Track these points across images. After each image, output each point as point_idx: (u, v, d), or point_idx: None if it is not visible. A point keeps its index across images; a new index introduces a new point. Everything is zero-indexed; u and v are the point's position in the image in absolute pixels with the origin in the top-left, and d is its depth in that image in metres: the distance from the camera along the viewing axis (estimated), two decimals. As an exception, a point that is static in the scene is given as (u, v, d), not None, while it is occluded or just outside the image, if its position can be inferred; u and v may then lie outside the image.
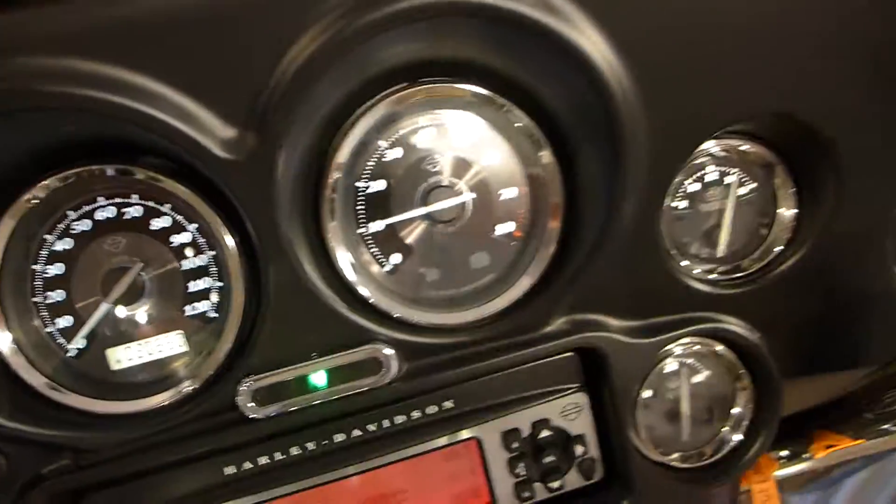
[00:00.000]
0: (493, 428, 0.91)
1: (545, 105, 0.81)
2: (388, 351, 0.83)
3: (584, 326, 0.89)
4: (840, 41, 0.79)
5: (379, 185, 0.82)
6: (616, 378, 0.90)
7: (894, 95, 0.83)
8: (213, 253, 0.81)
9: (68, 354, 0.81)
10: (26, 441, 0.79)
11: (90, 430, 0.81)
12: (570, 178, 0.85)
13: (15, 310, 0.78)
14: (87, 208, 0.78)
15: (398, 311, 0.85)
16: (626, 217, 0.80)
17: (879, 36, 0.79)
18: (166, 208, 0.79)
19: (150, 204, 0.79)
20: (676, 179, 0.90)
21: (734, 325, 0.93)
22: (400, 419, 0.88)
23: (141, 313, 0.81)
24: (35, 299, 0.79)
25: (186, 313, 0.82)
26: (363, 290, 0.84)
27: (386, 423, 0.88)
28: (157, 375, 0.83)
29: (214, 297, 0.82)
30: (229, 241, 0.78)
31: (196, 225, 0.80)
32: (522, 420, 0.91)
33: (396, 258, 0.85)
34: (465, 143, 0.83)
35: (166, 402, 0.82)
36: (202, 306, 0.82)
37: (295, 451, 0.86)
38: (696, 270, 0.94)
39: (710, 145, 0.90)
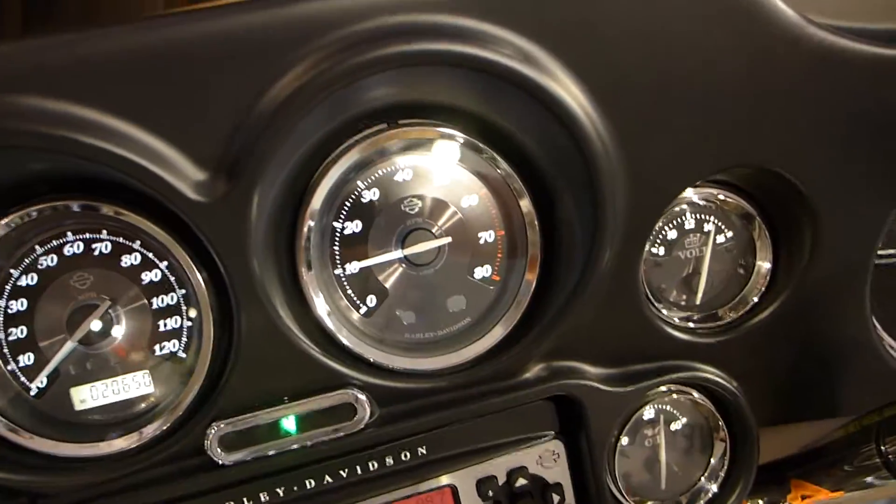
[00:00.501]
0: (468, 475, 0.89)
1: (524, 152, 0.81)
2: (362, 396, 0.82)
3: (561, 373, 0.88)
4: (817, 98, 0.80)
5: (355, 226, 0.82)
6: (593, 426, 0.89)
7: (869, 149, 0.84)
8: (184, 291, 0.79)
9: (30, 393, 0.78)
10: (-20, 485, 0.76)
11: (50, 473, 0.78)
12: (549, 225, 0.84)
13: (-28, 346, 0.76)
14: (55, 243, 0.76)
15: (373, 354, 0.84)
16: (604, 264, 0.80)
17: (855, 94, 0.80)
18: (136, 245, 0.77)
19: (120, 240, 0.77)
20: (656, 226, 0.90)
21: (711, 373, 0.93)
22: (373, 466, 0.86)
23: (108, 352, 0.79)
24: (-5, 335, 0.77)
25: (155, 352, 0.80)
26: (338, 334, 0.83)
27: (359, 470, 0.85)
28: (122, 416, 0.81)
29: (184, 337, 0.80)
30: (200, 279, 0.77)
31: (167, 262, 0.78)
32: (498, 467, 0.90)
33: (372, 301, 0.84)
34: (443, 186, 0.83)
35: (131, 446, 0.79)
36: (172, 346, 0.80)
37: (264, 497, 0.84)
38: (675, 318, 0.94)
39: (690, 193, 0.91)
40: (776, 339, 0.94)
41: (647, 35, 0.73)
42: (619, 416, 0.91)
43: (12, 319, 0.76)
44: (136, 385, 0.81)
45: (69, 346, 0.77)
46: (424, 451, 0.87)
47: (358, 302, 0.84)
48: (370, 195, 0.81)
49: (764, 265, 0.93)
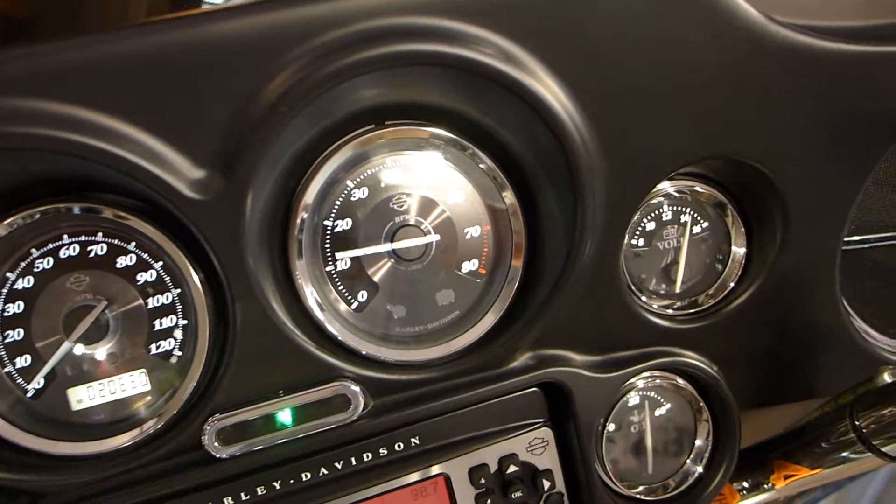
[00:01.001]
0: (460, 464, 0.91)
1: (507, 148, 0.84)
2: (356, 388, 0.84)
3: (547, 361, 0.91)
4: (782, 92, 0.84)
5: (346, 223, 0.84)
6: (580, 412, 0.92)
7: (834, 139, 0.88)
8: (179, 291, 0.80)
9: (27, 395, 0.79)
10: (-19, 486, 0.77)
11: (49, 472, 0.79)
12: (532, 218, 0.87)
13: (-30, 349, 0.77)
14: (51, 246, 0.78)
15: (366, 348, 0.86)
16: (586, 255, 0.83)
17: (819, 88, 0.85)
18: (132, 246, 0.79)
19: (116, 242, 0.78)
20: (634, 219, 0.93)
21: (692, 358, 0.96)
22: (367, 457, 0.88)
23: (104, 352, 0.80)
24: (-8, 338, 0.78)
25: (151, 352, 0.81)
26: (331, 328, 0.85)
27: (353, 461, 0.87)
28: (119, 415, 0.82)
29: (180, 336, 0.82)
30: (195, 278, 0.79)
31: (161, 263, 0.80)
32: (490, 456, 0.92)
33: (363, 296, 0.87)
34: (430, 184, 0.85)
35: (129, 443, 0.80)
36: (167, 345, 0.82)
37: (261, 491, 0.85)
38: (655, 306, 0.97)
39: (666, 186, 0.94)
40: (753, 323, 0.97)
41: (622, 34, 0.77)
42: (604, 401, 0.94)
43: (9, 322, 0.77)
44: (132, 384, 0.82)
45: (66, 346, 0.78)
46: (417, 442, 0.89)
47: (349, 297, 0.86)
48: (359, 193, 0.84)
49: (739, 251, 0.97)
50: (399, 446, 0.88)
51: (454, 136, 0.84)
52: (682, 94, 0.81)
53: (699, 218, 0.97)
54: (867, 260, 1.04)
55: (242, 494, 0.85)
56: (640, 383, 0.98)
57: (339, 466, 0.87)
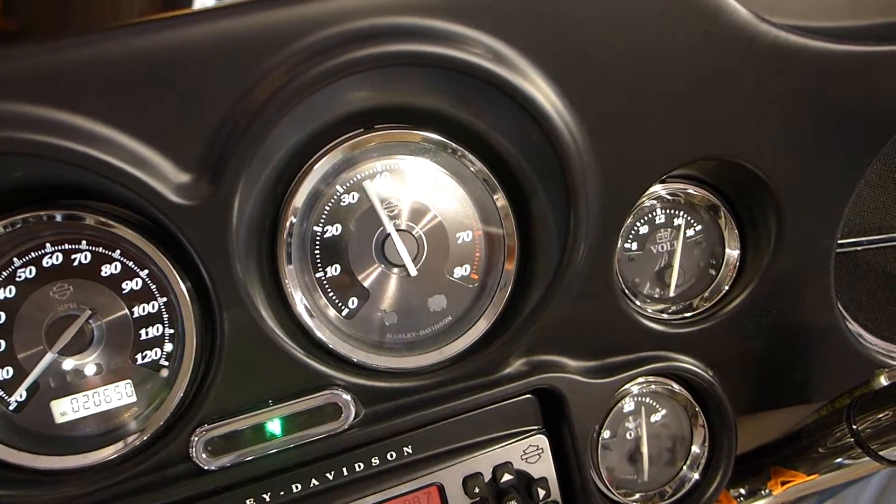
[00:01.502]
0: (454, 473, 0.90)
1: (499, 150, 0.84)
2: (347, 396, 0.82)
3: (541, 367, 0.89)
4: (775, 93, 0.84)
5: (335, 229, 0.83)
6: (575, 418, 0.90)
7: (827, 140, 0.88)
8: (165, 299, 0.79)
9: (9, 408, 0.77)
10: (-40, 502, 0.75)
11: (33, 488, 0.77)
12: (524, 221, 0.87)
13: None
14: (33, 255, 0.76)
15: (357, 355, 0.85)
16: (579, 258, 0.82)
17: (811, 88, 0.84)
18: (116, 254, 0.77)
19: (100, 250, 0.77)
20: (627, 222, 0.92)
21: (688, 363, 0.95)
22: (359, 467, 0.86)
23: (88, 363, 0.78)
24: (-29, 351, 0.76)
25: (137, 362, 0.80)
26: (321, 335, 0.83)
27: (345, 472, 0.86)
28: (104, 428, 0.80)
29: (166, 345, 0.80)
30: (182, 286, 0.77)
31: (147, 271, 0.78)
32: (484, 464, 0.91)
33: (354, 302, 0.85)
34: (420, 188, 0.84)
35: (115, 455, 0.79)
36: (153, 354, 0.80)
37: (251, 503, 0.83)
38: (650, 310, 0.97)
39: (659, 189, 0.94)
40: (748, 327, 0.97)
41: (614, 34, 0.76)
42: (599, 407, 0.93)
43: None
44: (118, 395, 0.80)
45: (49, 358, 0.76)
46: (410, 451, 0.87)
47: (339, 304, 0.85)
48: (349, 199, 0.83)
49: (733, 254, 0.96)
50: (391, 455, 0.87)
51: (444, 140, 0.83)
52: (674, 94, 0.81)
53: (693, 221, 0.96)
54: (861, 263, 1.03)
55: None
56: (635, 389, 0.97)
57: (331, 477, 0.86)
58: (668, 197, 0.95)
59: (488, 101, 0.76)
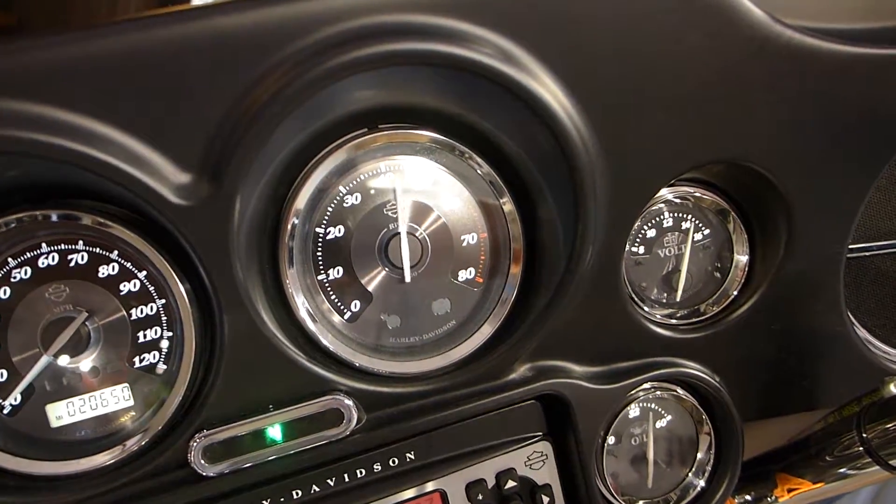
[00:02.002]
0: (457, 479, 0.88)
1: (505, 152, 0.82)
2: (349, 402, 0.81)
3: (547, 373, 0.88)
4: (788, 95, 0.82)
5: (338, 231, 0.81)
6: (580, 425, 0.89)
7: (840, 144, 0.87)
8: (164, 301, 0.77)
9: (3, 412, 0.76)
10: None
11: (27, 494, 0.75)
12: (530, 225, 0.85)
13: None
14: (29, 255, 0.74)
15: (359, 360, 0.83)
16: (587, 262, 0.81)
17: (825, 91, 0.83)
18: (114, 255, 0.76)
19: (97, 250, 0.76)
20: (635, 226, 0.91)
21: (694, 369, 0.94)
22: (361, 473, 0.85)
23: (85, 366, 0.77)
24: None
25: (135, 365, 0.78)
26: (323, 339, 0.82)
27: (346, 478, 0.84)
28: (101, 432, 0.79)
29: (165, 348, 0.79)
30: (181, 288, 0.76)
31: (145, 272, 0.77)
32: (487, 470, 0.89)
33: (356, 305, 0.84)
34: (425, 189, 0.83)
35: (111, 461, 0.77)
36: (152, 357, 0.79)
37: None
38: (657, 315, 0.95)
39: (666, 192, 0.92)
40: (756, 333, 0.95)
41: (624, 34, 0.75)
42: (605, 413, 0.91)
43: None
44: (114, 399, 0.79)
45: (44, 360, 0.75)
46: (413, 457, 0.86)
47: (342, 307, 0.83)
48: (352, 200, 0.81)
49: (742, 258, 0.95)
50: (394, 462, 0.85)
51: (450, 141, 0.81)
52: (685, 95, 0.79)
53: (701, 225, 0.95)
54: (870, 268, 1.02)
55: None
56: (641, 394, 0.95)
57: (332, 483, 0.84)
58: (676, 200, 0.93)
59: (495, 102, 0.75)
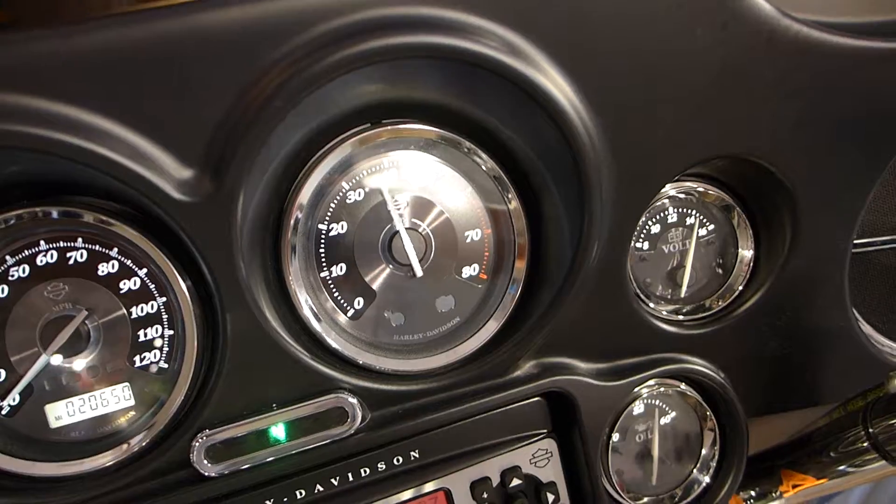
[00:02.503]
0: (461, 478, 0.88)
1: (510, 147, 0.81)
2: (353, 400, 0.80)
3: (552, 370, 0.87)
4: (795, 89, 0.82)
5: (341, 227, 0.80)
6: (585, 422, 0.89)
7: (846, 138, 0.86)
8: (165, 299, 0.76)
9: (1, 412, 0.75)
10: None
11: (27, 496, 0.74)
12: (535, 220, 0.84)
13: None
14: (27, 253, 0.73)
15: (363, 357, 0.82)
16: (592, 258, 0.80)
17: (832, 85, 0.82)
18: (114, 252, 0.75)
19: (97, 248, 0.74)
20: (640, 222, 0.90)
21: (699, 365, 0.93)
22: (365, 472, 0.84)
23: (84, 365, 0.76)
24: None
25: (135, 364, 0.77)
26: (326, 337, 0.81)
27: (350, 477, 0.83)
28: (101, 432, 0.78)
29: (166, 347, 0.77)
30: (182, 286, 0.75)
31: (146, 269, 0.76)
32: (491, 468, 0.89)
33: (359, 303, 0.83)
34: (428, 185, 0.82)
35: (112, 462, 0.76)
36: (152, 356, 0.78)
37: None
38: (662, 311, 0.95)
39: (670, 188, 0.91)
40: (761, 329, 0.95)
41: (632, 28, 0.74)
42: (610, 410, 0.91)
43: None
44: (115, 399, 0.77)
45: (43, 360, 0.74)
46: (417, 455, 0.85)
47: (345, 304, 0.82)
48: (355, 196, 0.80)
49: (746, 254, 0.95)
50: (398, 460, 0.85)
51: (454, 136, 0.80)
52: (692, 89, 0.79)
53: (705, 220, 0.94)
54: (874, 263, 1.02)
55: None
56: (646, 391, 0.95)
57: (336, 483, 0.83)
58: (680, 196, 0.93)
59: (501, 97, 0.74)
